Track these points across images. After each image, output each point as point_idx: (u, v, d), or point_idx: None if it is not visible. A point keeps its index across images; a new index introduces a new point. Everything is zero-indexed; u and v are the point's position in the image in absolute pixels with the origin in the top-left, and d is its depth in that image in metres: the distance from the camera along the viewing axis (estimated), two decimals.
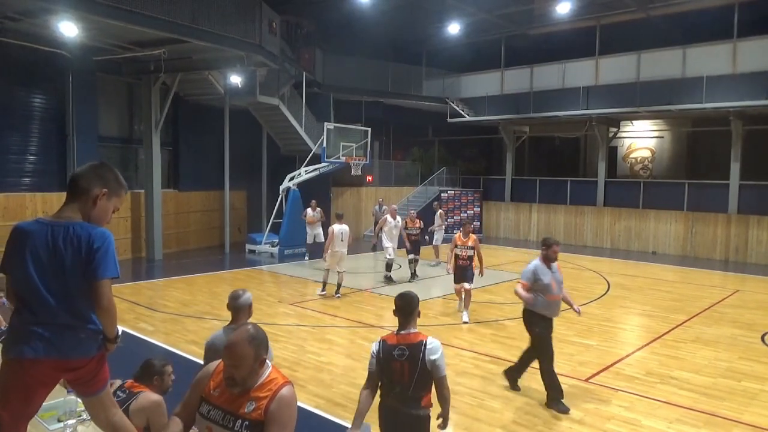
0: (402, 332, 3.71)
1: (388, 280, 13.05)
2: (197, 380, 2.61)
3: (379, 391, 3.77)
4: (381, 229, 13.53)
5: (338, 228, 11.56)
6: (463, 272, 9.84)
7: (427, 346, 3.60)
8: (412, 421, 3.60)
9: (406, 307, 3.76)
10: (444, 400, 3.66)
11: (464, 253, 9.80)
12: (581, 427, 5.59)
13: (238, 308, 3.91)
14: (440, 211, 16.69)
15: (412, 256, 13.29)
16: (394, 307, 3.82)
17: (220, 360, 2.54)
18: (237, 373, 2.40)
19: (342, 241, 11.47)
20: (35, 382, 2.54)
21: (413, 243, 13.28)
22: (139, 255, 16.12)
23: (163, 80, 15.43)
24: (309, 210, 16.17)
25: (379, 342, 3.74)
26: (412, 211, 14.15)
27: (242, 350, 2.40)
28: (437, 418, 3.70)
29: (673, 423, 5.70)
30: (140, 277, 13.88)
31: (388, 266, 13.10)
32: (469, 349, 8.11)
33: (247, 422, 2.37)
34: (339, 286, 11.38)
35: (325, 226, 14.83)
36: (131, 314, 9.64)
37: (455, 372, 7.04)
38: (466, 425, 5.61)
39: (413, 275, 13.28)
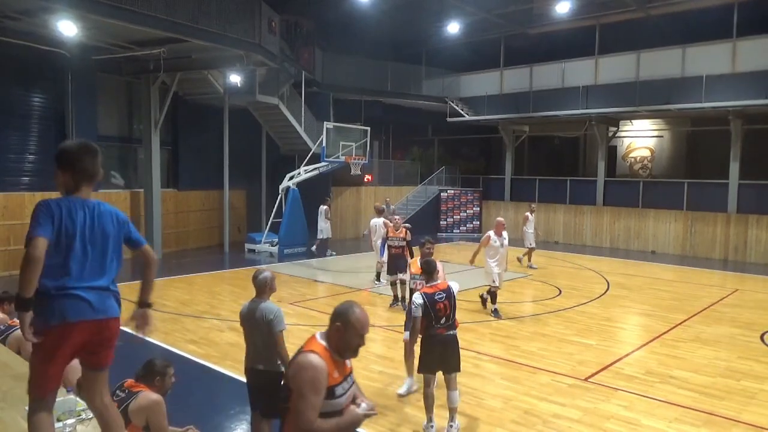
0: (433, 284, 5.47)
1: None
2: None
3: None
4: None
5: (374, 221, 12.85)
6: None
7: (452, 287, 5.50)
8: (455, 338, 5.44)
9: (429, 269, 5.62)
10: None
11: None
12: (581, 426, 5.60)
13: (256, 285, 4.67)
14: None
15: (392, 276, 10.32)
16: (422, 270, 5.87)
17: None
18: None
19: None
20: (76, 343, 2.81)
21: (395, 258, 10.31)
22: None
23: (162, 79, 15.42)
24: (325, 207, 17.05)
25: (422, 295, 5.31)
26: (397, 217, 10.83)
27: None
28: None
29: (673, 422, 5.70)
30: (139, 276, 13.86)
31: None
32: (469, 348, 8.10)
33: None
34: (378, 275, 12.60)
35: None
36: (131, 314, 9.63)
37: None
38: (465, 424, 5.61)
39: (396, 299, 10.29)
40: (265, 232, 17.75)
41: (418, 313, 5.24)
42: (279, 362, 4.56)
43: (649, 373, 7.12)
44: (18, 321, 4.45)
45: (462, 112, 22.91)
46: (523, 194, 23.01)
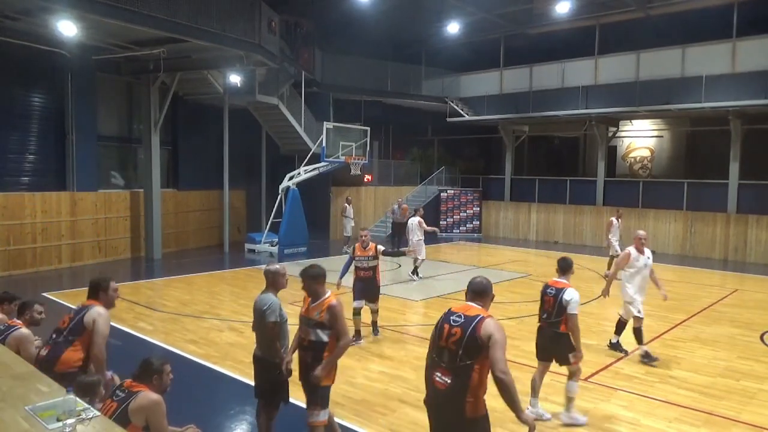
0: (556, 279, 5.85)
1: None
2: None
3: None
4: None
5: (411, 221, 13.28)
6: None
7: (567, 293, 5.59)
8: (555, 334, 5.67)
9: (565, 265, 5.92)
10: None
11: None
12: (580, 426, 5.59)
13: (265, 276, 4.88)
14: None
15: (358, 303, 8.33)
16: (558, 267, 5.98)
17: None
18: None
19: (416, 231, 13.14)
20: None
21: (363, 283, 8.35)
22: (138, 254, 16.11)
23: (162, 79, 15.42)
24: (347, 206, 17.91)
25: (545, 284, 5.87)
26: (364, 231, 8.66)
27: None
28: None
29: (672, 422, 5.71)
30: (139, 276, 13.88)
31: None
32: None
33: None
34: (416, 270, 13.09)
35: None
36: (130, 313, 9.63)
37: None
38: None
39: (359, 334, 8.25)
40: (265, 232, 17.76)
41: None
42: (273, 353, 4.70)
43: (648, 373, 7.12)
44: (17, 321, 4.53)
45: (462, 112, 22.91)
46: (523, 194, 23.02)
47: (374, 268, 8.36)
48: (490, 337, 3.39)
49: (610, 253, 13.91)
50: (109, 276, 4.83)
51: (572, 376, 5.70)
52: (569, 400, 5.70)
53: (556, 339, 5.65)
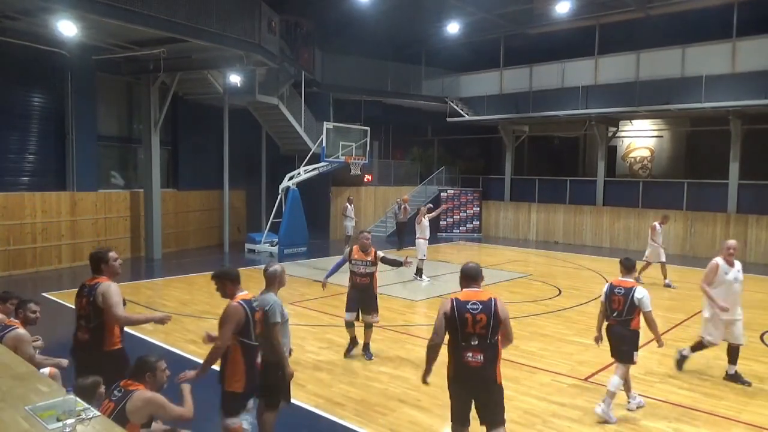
0: (622, 278, 6.05)
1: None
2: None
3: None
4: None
5: (425, 222, 13.14)
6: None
7: (638, 291, 5.83)
8: (619, 333, 5.96)
9: (629, 264, 6.14)
10: None
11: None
12: (580, 426, 5.60)
13: (265, 278, 4.92)
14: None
15: (350, 314, 7.52)
16: (621, 265, 6.19)
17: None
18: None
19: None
20: None
21: (358, 291, 7.48)
22: (138, 254, 16.11)
23: (162, 79, 15.42)
24: (348, 205, 18.00)
25: (609, 284, 6.12)
26: (366, 233, 7.72)
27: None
28: None
29: (672, 422, 5.71)
30: (139, 276, 13.88)
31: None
32: None
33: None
34: (419, 270, 13.06)
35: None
36: (130, 313, 9.63)
37: None
38: None
39: (365, 349, 7.61)
40: (265, 232, 17.76)
41: (603, 298, 6.10)
42: (273, 352, 4.67)
43: (649, 373, 7.12)
44: (15, 321, 4.60)
45: (462, 112, 22.91)
46: (523, 194, 23.02)
47: (372, 275, 7.45)
48: (506, 315, 4.19)
49: (645, 258, 13.11)
50: (107, 248, 5.00)
51: (620, 372, 5.84)
52: (611, 395, 5.75)
53: (625, 336, 5.86)
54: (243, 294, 4.37)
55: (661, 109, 18.73)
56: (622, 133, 23.62)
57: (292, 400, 5.00)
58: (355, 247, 7.58)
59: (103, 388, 3.86)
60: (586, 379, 6.92)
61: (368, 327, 7.51)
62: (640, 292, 5.77)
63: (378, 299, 7.62)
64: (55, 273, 13.57)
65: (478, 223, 23.46)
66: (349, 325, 7.54)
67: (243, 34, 14.17)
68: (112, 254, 4.88)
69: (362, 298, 7.44)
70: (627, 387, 6.06)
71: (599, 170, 21.13)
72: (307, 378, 6.75)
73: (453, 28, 21.08)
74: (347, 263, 7.56)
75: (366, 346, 7.57)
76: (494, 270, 14.94)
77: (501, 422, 4.20)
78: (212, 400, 4.65)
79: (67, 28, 11.65)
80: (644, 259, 13.14)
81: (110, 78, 15.84)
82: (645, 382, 6.83)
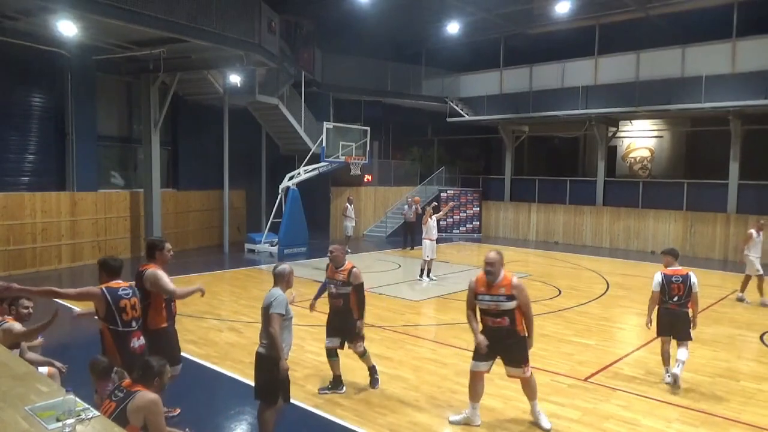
0: (673, 268, 6.78)
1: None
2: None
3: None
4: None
5: (432, 223, 13.07)
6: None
7: (691, 276, 6.67)
8: (686, 315, 6.71)
9: (674, 252, 7.02)
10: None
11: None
12: (580, 426, 5.60)
13: (274, 276, 5.01)
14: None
15: (330, 341, 6.38)
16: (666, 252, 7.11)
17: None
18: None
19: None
20: None
21: (335, 315, 6.41)
22: (138, 254, 16.09)
23: (162, 79, 15.42)
24: (348, 205, 18.03)
25: (661, 274, 6.75)
26: (334, 247, 6.48)
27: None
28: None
29: (672, 422, 5.71)
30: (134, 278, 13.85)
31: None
32: (469, 349, 8.07)
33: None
34: (429, 271, 12.98)
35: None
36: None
37: (455, 372, 7.04)
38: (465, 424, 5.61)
39: (373, 376, 6.56)
40: (265, 232, 17.76)
41: (657, 288, 6.71)
42: (265, 342, 4.77)
43: (648, 373, 7.12)
44: (8, 317, 4.71)
45: (462, 113, 22.91)
46: (523, 194, 23.01)
47: (346, 296, 6.18)
48: (518, 289, 5.32)
49: (747, 272, 11.52)
50: (164, 238, 5.71)
51: (687, 346, 6.70)
52: (682, 363, 6.59)
53: (684, 318, 6.67)
54: (116, 282, 4.70)
55: (660, 109, 18.72)
56: (622, 134, 23.62)
57: (292, 400, 5.00)
58: (330, 264, 6.42)
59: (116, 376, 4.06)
60: (585, 380, 6.92)
61: (360, 355, 6.39)
62: (695, 277, 6.69)
63: (357, 326, 6.23)
64: (55, 273, 13.57)
65: (478, 223, 23.46)
66: (331, 354, 6.33)
67: (243, 34, 14.16)
68: (168, 245, 5.54)
69: (341, 325, 6.28)
70: (666, 360, 6.82)
71: (599, 170, 21.13)
72: (307, 378, 6.75)
73: (453, 28, 21.08)
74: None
75: (371, 372, 6.52)
76: None
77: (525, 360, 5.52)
78: (210, 400, 4.65)
79: (67, 28, 11.64)
80: (746, 272, 11.59)
81: (110, 78, 15.83)
82: (645, 382, 6.83)
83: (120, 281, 4.71)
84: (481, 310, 5.45)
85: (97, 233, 14.99)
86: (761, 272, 11.32)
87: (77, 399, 2.94)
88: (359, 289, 6.22)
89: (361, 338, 6.33)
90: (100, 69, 15.09)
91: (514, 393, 6.41)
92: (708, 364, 7.55)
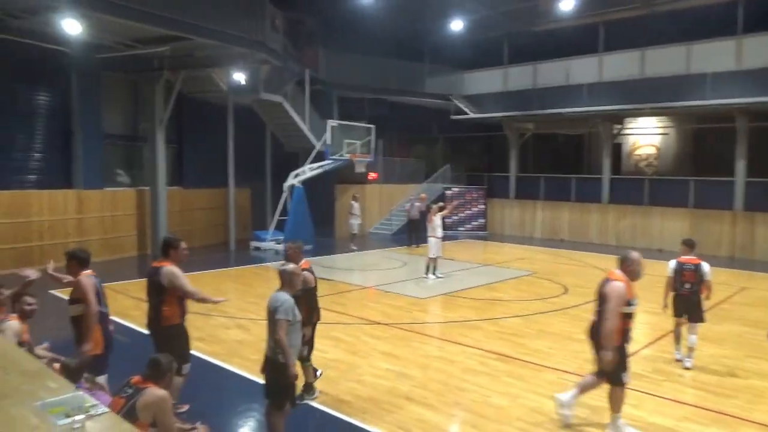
0: (686, 257, 7.27)
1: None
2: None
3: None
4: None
5: (437, 222, 12.85)
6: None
7: (703, 265, 7.17)
8: (696, 300, 7.22)
9: (692, 242, 7.54)
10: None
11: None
12: (587, 424, 5.58)
13: (280, 276, 4.92)
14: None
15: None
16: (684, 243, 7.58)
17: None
18: None
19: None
20: None
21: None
22: (145, 252, 16.15)
23: (166, 78, 15.44)
24: (354, 203, 18.08)
25: (676, 261, 7.28)
26: (290, 244, 6.29)
27: None
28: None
29: (681, 421, 5.68)
30: (146, 274, 13.89)
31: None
32: (476, 346, 8.09)
33: None
34: (435, 269, 12.78)
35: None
36: (137, 311, 9.63)
37: (461, 369, 7.03)
38: (472, 422, 5.60)
39: (310, 389, 6.06)
40: (271, 230, 17.77)
41: (671, 273, 7.28)
42: (278, 351, 4.65)
43: (656, 371, 7.10)
44: (12, 315, 4.78)
45: (466, 110, 22.87)
46: (528, 192, 22.96)
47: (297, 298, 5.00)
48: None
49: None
50: (179, 237, 5.69)
51: (695, 330, 7.23)
52: (692, 350, 7.22)
53: (697, 302, 7.20)
54: (87, 272, 5.29)
55: (666, 106, 18.64)
56: (628, 131, 23.54)
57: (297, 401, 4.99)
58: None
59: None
60: None
61: (319, 378, 6.05)
62: (706, 266, 7.17)
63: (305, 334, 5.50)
64: (62, 271, 13.58)
65: (483, 220, 23.42)
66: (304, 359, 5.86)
67: (247, 32, 14.17)
68: (183, 244, 5.46)
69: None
70: (677, 339, 7.47)
71: (605, 168, 21.05)
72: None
73: (457, 25, 21.03)
74: None
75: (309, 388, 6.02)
76: (500, 268, 14.93)
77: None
78: (218, 397, 4.65)
79: (72, 26, 11.65)
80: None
81: (115, 76, 15.85)
82: (652, 380, 6.80)
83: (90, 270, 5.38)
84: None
85: (104, 231, 15.03)
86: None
87: (86, 395, 2.94)
88: (311, 290, 5.87)
89: (308, 344, 5.84)
90: (105, 67, 15.10)
91: (521, 391, 6.40)
92: (716, 362, 7.51)
